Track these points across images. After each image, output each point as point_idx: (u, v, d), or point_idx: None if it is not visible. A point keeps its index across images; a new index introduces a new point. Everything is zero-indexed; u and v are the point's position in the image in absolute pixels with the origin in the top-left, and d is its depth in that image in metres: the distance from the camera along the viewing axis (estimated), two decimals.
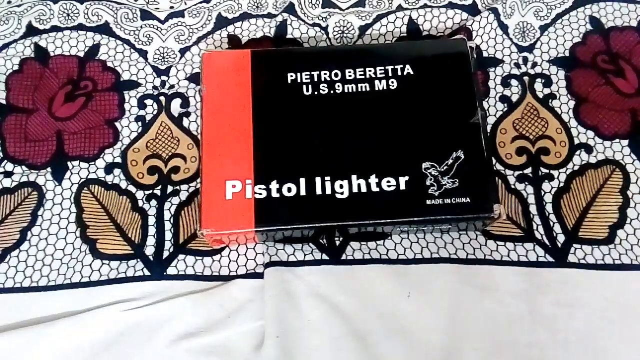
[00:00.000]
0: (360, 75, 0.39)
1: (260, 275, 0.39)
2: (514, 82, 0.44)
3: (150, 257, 0.39)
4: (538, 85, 0.44)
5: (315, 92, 0.39)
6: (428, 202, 0.36)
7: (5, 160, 0.42)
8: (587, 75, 0.44)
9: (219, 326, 0.37)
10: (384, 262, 0.39)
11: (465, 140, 0.37)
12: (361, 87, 0.39)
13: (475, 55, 0.40)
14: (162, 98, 0.44)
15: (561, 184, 0.41)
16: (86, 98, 0.44)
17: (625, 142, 0.42)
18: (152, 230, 0.40)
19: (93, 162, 0.42)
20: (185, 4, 0.48)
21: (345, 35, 0.47)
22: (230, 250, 0.40)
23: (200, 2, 0.48)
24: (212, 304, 0.38)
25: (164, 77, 0.45)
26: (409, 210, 0.36)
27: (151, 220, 0.40)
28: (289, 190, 0.36)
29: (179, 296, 0.38)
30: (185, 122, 0.44)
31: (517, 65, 0.45)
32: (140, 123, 0.44)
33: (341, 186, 0.36)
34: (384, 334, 0.36)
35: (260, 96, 0.39)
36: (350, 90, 0.39)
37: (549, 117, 0.43)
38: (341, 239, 0.40)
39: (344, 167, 0.36)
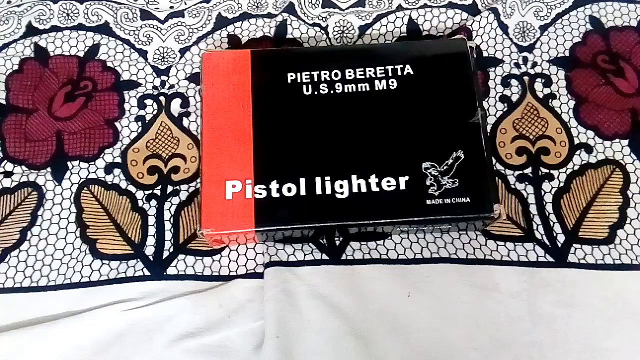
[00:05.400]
0: (360, 75, 0.39)
1: (260, 275, 0.39)
2: (514, 82, 0.44)
3: (150, 257, 0.39)
4: (538, 85, 0.44)
5: (315, 92, 0.39)
6: (428, 202, 0.36)
7: (5, 160, 0.42)
8: (587, 75, 0.44)
9: (219, 326, 0.37)
10: (384, 262, 0.39)
11: (465, 140, 0.37)
12: (361, 87, 0.39)
13: (475, 55, 0.40)
14: (162, 98, 0.44)
15: (561, 184, 0.41)
16: (86, 98, 0.44)
17: (625, 142, 0.42)
18: (152, 230, 0.40)
19: (93, 162, 0.42)
20: (185, 4, 0.48)
21: (345, 35, 0.47)
22: (230, 250, 0.40)
23: (200, 2, 0.48)
24: (212, 304, 0.38)
25: (164, 77, 0.45)
26: (409, 210, 0.36)
27: (151, 220, 0.40)
28: (289, 190, 0.36)
29: (179, 296, 0.38)
30: (185, 122, 0.44)
31: (517, 65, 0.45)
32: (140, 123, 0.44)
33: (341, 186, 0.36)
34: (383, 334, 0.36)
35: (260, 96, 0.39)
36: (350, 90, 0.39)
37: (549, 117, 0.43)
38: (341, 239, 0.40)
39: (344, 167, 0.36)
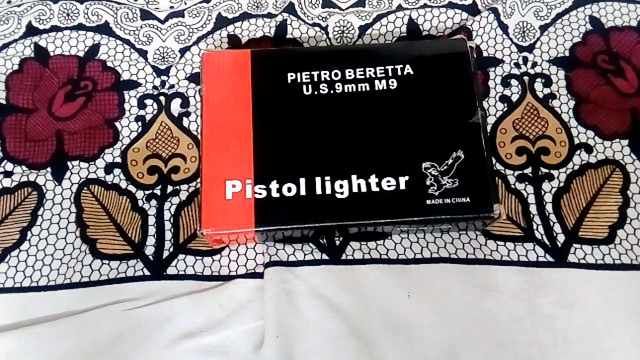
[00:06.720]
0: (360, 75, 0.39)
1: (260, 275, 0.39)
2: (514, 82, 0.44)
3: (150, 257, 0.39)
4: (538, 85, 0.44)
5: (315, 92, 0.39)
6: (428, 202, 0.36)
7: (5, 160, 0.42)
8: (587, 75, 0.44)
9: (219, 326, 0.37)
10: (384, 262, 0.39)
11: (465, 140, 0.37)
12: (361, 87, 0.39)
13: (475, 55, 0.40)
14: (162, 98, 0.44)
15: (561, 184, 0.41)
16: (86, 98, 0.44)
17: (625, 142, 0.42)
18: (152, 230, 0.40)
19: (93, 162, 0.42)
20: (185, 3, 0.48)
21: (345, 35, 0.47)
22: (230, 250, 0.40)
23: (200, 2, 0.48)
24: (212, 304, 0.38)
25: (164, 77, 0.45)
26: (409, 210, 0.36)
27: (151, 220, 0.40)
28: (289, 190, 0.36)
29: (179, 296, 0.38)
30: (185, 122, 0.44)
31: (517, 65, 0.45)
32: (140, 123, 0.44)
33: (341, 186, 0.36)
34: (383, 334, 0.36)
35: (260, 96, 0.39)
36: (350, 90, 0.39)
37: (549, 117, 0.43)
38: (341, 239, 0.40)
39: (344, 167, 0.36)
